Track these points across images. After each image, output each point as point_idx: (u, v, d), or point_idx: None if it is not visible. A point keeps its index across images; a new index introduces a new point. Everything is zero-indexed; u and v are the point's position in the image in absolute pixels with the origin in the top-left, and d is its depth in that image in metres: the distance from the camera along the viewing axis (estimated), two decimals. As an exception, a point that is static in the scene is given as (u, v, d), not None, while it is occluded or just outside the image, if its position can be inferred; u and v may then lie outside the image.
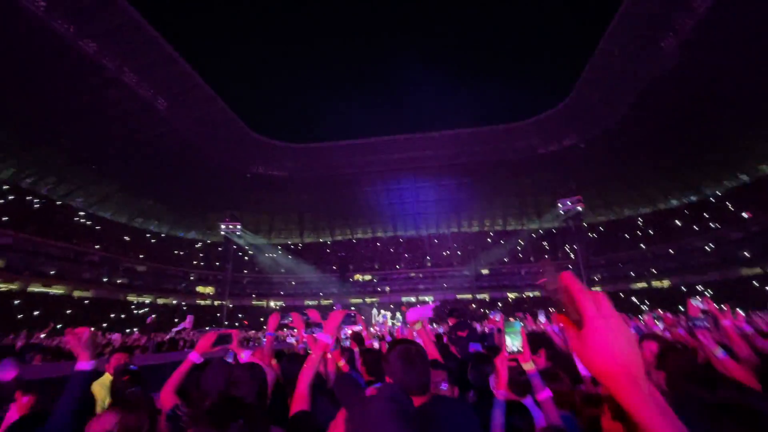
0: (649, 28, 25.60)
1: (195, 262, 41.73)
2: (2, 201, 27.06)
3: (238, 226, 40.47)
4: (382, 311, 28.73)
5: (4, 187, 27.82)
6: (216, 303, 39.81)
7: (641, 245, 37.29)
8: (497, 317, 6.09)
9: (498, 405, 1.64)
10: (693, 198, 36.23)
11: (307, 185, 43.63)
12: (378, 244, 48.73)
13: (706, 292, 29.12)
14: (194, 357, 2.02)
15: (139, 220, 39.19)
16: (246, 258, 44.83)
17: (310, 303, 41.89)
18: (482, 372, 2.05)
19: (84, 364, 1.57)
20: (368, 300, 41.82)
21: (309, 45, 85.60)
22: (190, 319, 11.12)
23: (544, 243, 43.48)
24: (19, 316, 23.40)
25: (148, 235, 39.13)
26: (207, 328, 27.28)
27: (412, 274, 44.47)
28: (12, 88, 24.17)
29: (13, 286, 25.83)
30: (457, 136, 39.78)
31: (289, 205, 46.03)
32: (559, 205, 38.02)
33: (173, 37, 27.50)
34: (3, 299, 24.27)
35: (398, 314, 24.00)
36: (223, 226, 40.41)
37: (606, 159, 35.97)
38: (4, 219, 26.33)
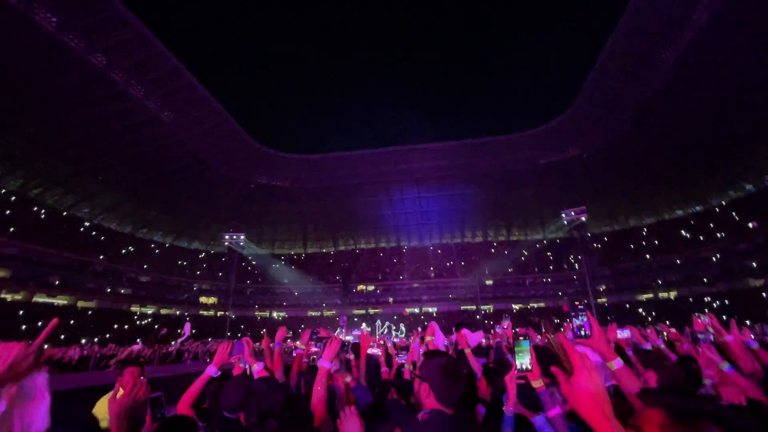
0: (649, 41, 25.83)
1: (198, 273, 41.78)
2: (9, 211, 27.35)
3: (242, 237, 40.57)
4: (386, 322, 28.63)
5: (12, 197, 28.15)
6: (219, 314, 39.72)
7: (647, 256, 37.04)
8: (506, 324, 6.04)
9: (507, 422, 1.66)
10: (698, 208, 36.06)
11: (310, 196, 43.84)
12: (381, 254, 48.65)
13: (713, 304, 28.79)
14: (211, 371, 2.04)
15: (143, 230, 39.41)
16: (249, 269, 44.85)
17: (313, 314, 41.72)
18: (495, 386, 2.05)
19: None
20: (371, 311, 41.59)
21: (313, 56, 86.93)
22: (187, 326, 11.08)
23: (549, 254, 43.28)
24: (23, 327, 23.45)
25: (152, 246, 39.30)
26: (209, 339, 27.19)
27: (416, 285, 44.26)
28: (21, 100, 24.67)
29: (18, 296, 25.94)
30: (460, 146, 39.96)
31: (293, 215, 46.21)
32: (563, 215, 37.94)
33: (179, 50, 28.00)
34: (8, 309, 24.35)
35: (401, 326, 23.88)
36: (226, 237, 40.52)
37: (610, 169, 36.04)
38: (10, 229, 26.58)
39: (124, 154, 31.71)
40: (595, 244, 41.06)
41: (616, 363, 1.49)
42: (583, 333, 1.58)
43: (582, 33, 63.99)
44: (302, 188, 43.38)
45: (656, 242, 37.21)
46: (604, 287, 37.78)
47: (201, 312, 39.27)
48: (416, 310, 41.53)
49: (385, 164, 41.56)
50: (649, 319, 30.14)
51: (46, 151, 28.35)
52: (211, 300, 41.06)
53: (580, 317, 1.60)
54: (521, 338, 1.73)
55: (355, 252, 49.24)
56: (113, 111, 28.31)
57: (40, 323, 24.41)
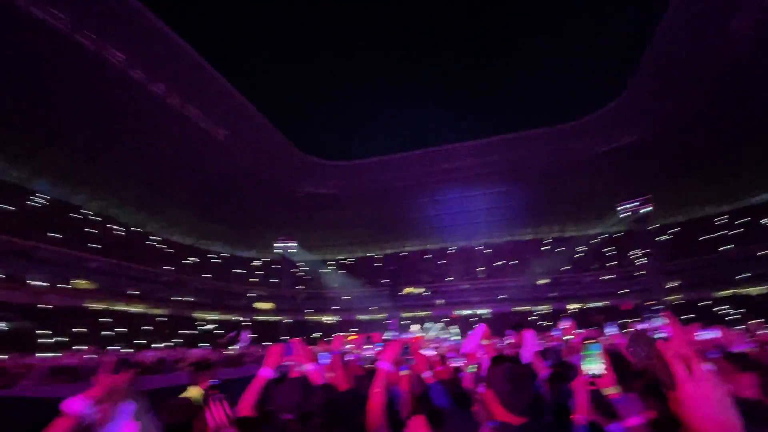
0: (714, 6, 23.32)
1: (253, 280, 44.11)
2: (95, 231, 30.72)
3: (292, 244, 42.21)
4: (434, 324, 28.27)
5: (96, 218, 31.57)
6: (274, 319, 41.56)
7: (725, 247, 33.22)
8: (567, 324, 5.67)
9: (580, 431, 1.54)
10: (786, 191, 31.76)
11: (355, 201, 44.60)
12: (428, 256, 48.22)
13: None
14: (267, 373, 2.09)
15: (204, 242, 42.38)
16: (301, 275, 46.51)
17: (363, 317, 42.30)
18: (560, 392, 1.93)
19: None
20: (421, 313, 41.32)
21: (351, 65, 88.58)
22: (243, 333, 11.60)
23: (608, 249, 40.37)
24: (104, 333, 26.23)
25: (212, 256, 42.14)
26: (268, 343, 28.53)
27: (466, 286, 43.30)
28: (96, 132, 27.69)
29: (102, 306, 29.00)
30: (504, 141, 38.63)
31: (339, 221, 47.25)
32: (622, 207, 35.21)
33: (229, 72, 30.04)
34: (95, 317, 27.33)
35: (455, 328, 23.42)
36: (278, 245, 42.38)
37: (676, 154, 32.83)
38: (96, 246, 29.85)
39: (185, 173, 34.37)
40: (663, 236, 37.60)
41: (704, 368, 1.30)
42: (658, 336, 1.43)
43: (635, 7, 59.20)
44: (347, 194, 44.28)
45: (737, 232, 33.24)
46: (674, 283, 34.46)
47: (257, 317, 41.34)
48: (467, 312, 40.59)
49: (428, 165, 41.24)
50: (730, 318, 26.99)
51: (122, 175, 31.52)
52: (267, 306, 43.09)
53: (654, 318, 1.44)
54: (590, 342, 1.60)
55: (402, 255, 49.24)
56: (173, 133, 30.87)
57: (122, 330, 27.17)
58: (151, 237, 36.36)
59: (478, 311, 40.39)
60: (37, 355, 17.17)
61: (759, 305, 27.41)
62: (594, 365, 1.54)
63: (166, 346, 27.77)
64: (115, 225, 33.21)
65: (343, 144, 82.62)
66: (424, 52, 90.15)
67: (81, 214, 30.45)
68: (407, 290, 44.70)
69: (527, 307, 38.94)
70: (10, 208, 25.44)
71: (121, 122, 28.06)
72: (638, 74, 29.72)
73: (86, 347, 21.56)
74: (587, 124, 35.67)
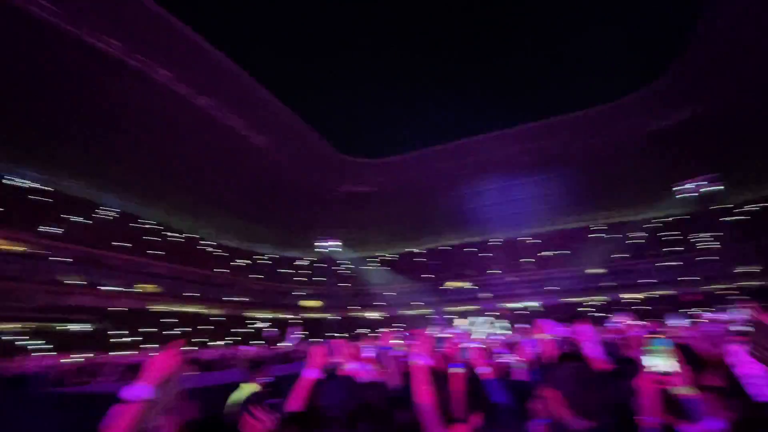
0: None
1: (300, 279, 45.68)
2: (159, 239, 33.30)
3: (336, 243, 43.13)
4: (474, 318, 27.64)
5: (156, 227, 34.17)
6: (322, 316, 42.82)
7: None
8: (624, 319, 5.26)
9: None
10: None
11: (394, 197, 44.64)
12: (471, 249, 47.22)
13: None
14: (313, 373, 2.08)
15: (251, 244, 44.51)
16: (346, 272, 47.45)
17: (408, 312, 42.36)
18: (620, 390, 1.77)
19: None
20: (466, 308, 40.62)
21: (383, 58, 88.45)
22: (290, 331, 11.96)
23: (669, 233, 37.22)
24: (166, 332, 28.45)
25: (259, 257, 44.18)
26: (315, 340, 29.48)
27: (512, 278, 41.94)
28: (155, 149, 29.85)
29: (165, 308, 31.41)
30: (546, 126, 36.82)
31: (379, 218, 47.54)
32: (686, 186, 32.27)
33: (267, 79, 31.27)
34: (159, 318, 29.74)
35: (505, 322, 22.75)
36: (322, 244, 43.50)
37: (745, 126, 29.50)
38: (160, 253, 32.40)
39: (231, 181, 36.22)
40: (735, 218, 34.04)
41: None
42: (738, 329, 1.26)
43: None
44: (385, 191, 44.46)
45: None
46: (751, 268, 31.08)
47: (305, 315, 42.81)
48: (517, 305, 39.31)
49: (466, 156, 40.34)
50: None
51: (177, 186, 33.81)
52: (314, 303, 44.47)
53: (731, 309, 1.27)
54: (656, 336, 1.45)
55: (444, 249, 48.64)
56: (218, 144, 32.63)
57: (183, 329, 29.31)
58: (203, 242, 38.77)
59: (527, 304, 38.98)
60: (110, 354, 18.98)
61: None
62: (662, 361, 1.38)
63: (221, 344, 29.63)
64: (172, 232, 35.76)
65: (380, 141, 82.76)
66: (455, 42, 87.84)
67: (142, 223, 33.07)
68: (449, 284, 44.09)
69: (579, 299, 36.99)
70: (83, 220, 28.17)
71: (173, 138, 30.07)
72: (687, 49, 26.99)
73: (153, 345, 23.50)
74: (630, 103, 33.10)
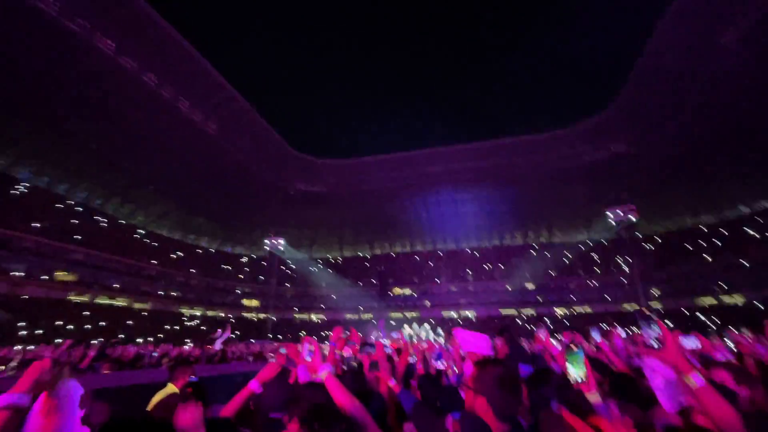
0: (705, 21, 23.90)
1: (241, 276, 43.65)
2: (77, 221, 30.01)
3: (282, 242, 41.86)
4: (414, 324, 28.28)
5: (78, 208, 30.89)
6: (261, 316, 41.18)
7: (707, 257, 34.02)
8: (542, 335, 5.72)
9: None
10: (766, 204, 32.68)
11: (347, 200, 44.50)
12: (418, 258, 48.33)
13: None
14: (255, 387, 1.94)
15: (191, 236, 41.82)
16: (289, 272, 46.17)
17: (351, 317, 42.17)
18: (542, 395, 1.93)
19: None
20: (408, 314, 41.35)
21: (346, 63, 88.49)
22: (223, 330, 11.42)
23: (595, 256, 41.00)
24: (86, 327, 25.61)
25: (199, 251, 41.59)
26: (252, 341, 28.24)
27: (453, 289, 43.51)
28: (84, 119, 27.09)
29: (84, 298, 28.35)
30: (497, 146, 39.01)
31: (330, 220, 47.10)
32: (609, 215, 35.81)
33: (222, 66, 29.70)
34: (76, 310, 26.69)
35: (439, 330, 23.44)
36: (267, 242, 41.99)
37: (663, 165, 33.53)
38: (77, 237, 29.16)
39: (174, 166, 33.84)
40: (647, 245, 38.35)
41: (697, 379, 1.20)
42: (656, 345, 1.42)
43: (629, 18, 60.26)
44: (338, 193, 44.18)
45: (718, 242, 34.08)
46: (658, 292, 35.15)
47: (244, 314, 40.93)
48: (454, 315, 40.80)
49: (420, 166, 41.41)
50: (712, 327, 27.62)
51: (106, 165, 30.92)
52: (254, 303, 42.68)
53: (649, 326, 1.43)
54: (574, 347, 1.59)
55: (392, 255, 49.28)
56: (163, 125, 30.37)
57: (102, 323, 26.61)
58: (137, 230, 35.74)
59: (465, 313, 40.60)
60: (15, 348, 16.67)
61: (739, 315, 28.09)
62: (579, 370, 1.52)
63: (148, 341, 27.27)
64: (99, 216, 32.56)
65: (336, 143, 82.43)
66: (420, 57, 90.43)
67: (64, 204, 29.77)
68: (396, 291, 44.69)
69: (514, 311, 39.28)
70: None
71: (109, 111, 27.49)
72: (629, 85, 30.29)
73: (65, 340, 21.00)
74: (577, 132, 36.25)
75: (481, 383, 1.29)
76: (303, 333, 37.27)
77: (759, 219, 32.27)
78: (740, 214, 34.54)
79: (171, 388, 2.64)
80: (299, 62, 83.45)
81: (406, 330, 27.51)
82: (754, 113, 26.84)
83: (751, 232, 32.01)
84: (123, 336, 26.42)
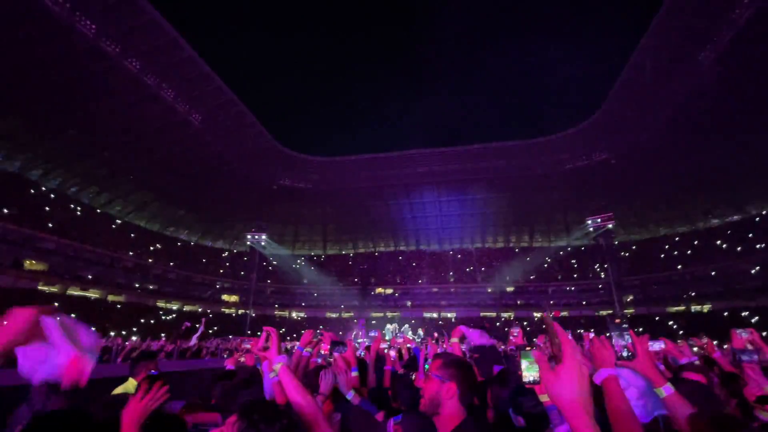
0: (686, 40, 24.77)
1: (221, 271, 42.86)
2: (48, 208, 28.92)
3: (264, 237, 41.31)
4: (391, 326, 28.45)
5: (51, 195, 29.76)
6: (240, 312, 40.54)
7: (679, 266, 35.28)
8: (516, 332, 5.85)
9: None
10: (735, 217, 34.15)
11: (331, 198, 44.27)
12: (400, 258, 48.48)
13: (751, 319, 27.11)
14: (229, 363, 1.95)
15: (170, 229, 40.84)
16: (270, 268, 45.62)
17: (332, 315, 41.98)
18: (501, 395, 1.97)
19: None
20: (389, 314, 41.44)
21: (338, 59, 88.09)
22: (203, 323, 11.28)
23: (573, 261, 41.97)
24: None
25: (178, 244, 40.66)
26: (230, 336, 27.80)
27: (435, 290, 43.81)
28: (61, 104, 26.11)
29: (54, 289, 27.33)
30: (484, 150, 39.47)
31: (314, 217, 46.78)
32: (588, 222, 36.71)
33: (208, 55, 29.05)
34: (45, 300, 25.69)
35: (420, 330, 23.61)
36: (249, 237, 41.37)
37: (640, 175, 34.63)
38: (49, 225, 28.08)
39: (155, 156, 32.99)
40: (623, 253, 39.49)
41: (666, 389, 1.28)
42: (626, 354, 1.45)
43: (613, 33, 62.06)
44: (324, 190, 43.89)
45: (689, 252, 35.39)
46: (631, 297, 36.24)
47: (223, 309, 40.22)
48: (435, 315, 41.09)
49: (407, 167, 41.54)
50: (681, 332, 28.66)
51: (84, 152, 29.89)
52: (233, 298, 41.98)
53: (621, 335, 1.46)
54: (528, 348, 1.62)
55: (375, 255, 49.28)
56: (146, 114, 29.55)
57: (73, 315, 25.67)
58: (113, 220, 34.69)
59: (446, 314, 40.95)
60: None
61: (706, 321, 29.23)
62: (532, 372, 1.55)
63: (121, 334, 26.50)
64: (74, 204, 31.47)
65: (324, 140, 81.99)
66: (410, 56, 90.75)
67: (37, 190, 28.64)
68: (378, 290, 44.69)
69: (493, 313, 39.83)
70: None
71: (88, 96, 26.58)
72: (611, 97, 31.10)
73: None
74: (560, 140, 36.99)
75: (450, 373, 1.34)
76: (282, 330, 36.94)
77: (728, 231, 33.69)
78: (711, 225, 35.97)
79: (131, 383, 2.57)
80: (290, 58, 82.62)
81: (388, 327, 27.63)
82: (725, 134, 28.02)
83: (721, 244, 33.37)
84: (95, 329, 25.58)
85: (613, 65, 30.69)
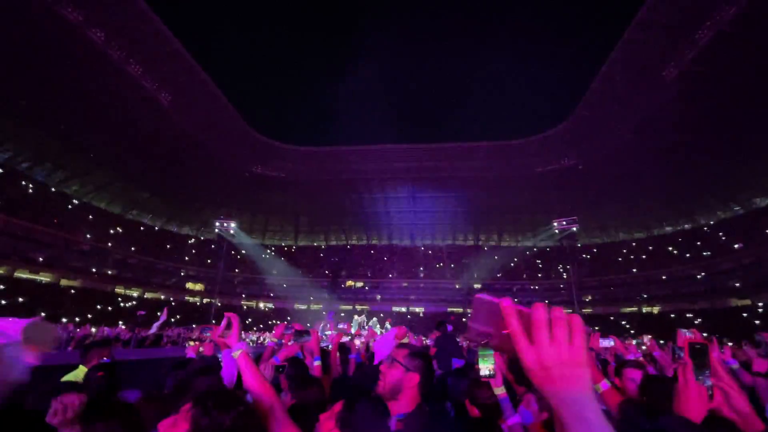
0: (652, 56, 26.07)
1: (186, 258, 41.38)
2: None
3: (233, 225, 40.18)
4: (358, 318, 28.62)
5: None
6: (205, 300, 39.39)
7: (633, 270, 37.47)
8: None
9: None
10: (687, 226, 36.59)
11: (305, 188, 43.63)
12: (372, 251, 48.61)
13: (695, 321, 29.23)
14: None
15: (133, 212, 38.95)
16: (239, 257, 44.53)
17: (300, 307, 41.57)
18: (459, 387, 2.04)
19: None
20: (359, 307, 41.55)
21: (316, 47, 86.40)
22: (165, 311, 10.88)
23: (538, 261, 43.59)
24: (3, 302, 23.06)
25: (141, 228, 38.86)
26: (194, 325, 26.97)
27: (405, 284, 44.29)
28: (14, 71, 24.18)
29: (1, 271, 25.48)
30: (458, 149, 40.06)
31: (286, 206, 45.97)
32: (554, 224, 38.19)
33: (181, 32, 27.69)
34: (-10, 284, 23.95)
35: (387, 324, 23.78)
36: (217, 224, 40.10)
37: (604, 182, 36.32)
38: (-4, 202, 26.09)
39: (118, 133, 31.26)
40: (584, 255, 41.42)
41: (603, 385, 1.44)
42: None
43: (586, 43, 64.39)
44: (297, 180, 43.16)
45: (644, 257, 37.65)
46: (590, 298, 38.15)
47: (187, 298, 38.95)
48: (403, 309, 41.59)
49: (382, 161, 41.49)
50: (632, 331, 30.52)
51: (37, 125, 27.86)
52: (198, 286, 40.72)
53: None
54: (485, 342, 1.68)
55: (346, 247, 49.15)
56: (109, 88, 27.87)
57: (21, 299, 24.07)
58: (69, 200, 32.65)
59: (414, 309, 41.55)
60: None
61: (655, 321, 31.28)
62: (487, 365, 1.61)
63: (73, 320, 25.09)
64: (24, 181, 29.36)
65: (299, 129, 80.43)
66: (393, 53, 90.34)
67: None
68: (348, 283, 44.65)
69: (460, 309, 40.80)
70: None
71: (48, 66, 24.76)
72: (581, 106, 32.32)
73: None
74: (533, 144, 38.11)
75: (415, 364, 1.37)
76: (249, 320, 36.26)
77: (679, 239, 36.06)
78: (665, 233, 38.37)
79: (82, 370, 2.46)
80: (269, 38, 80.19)
81: (356, 319, 27.72)
82: (684, 146, 29.83)
83: (672, 250, 35.69)
84: (45, 314, 24.09)
85: (582, 77, 31.95)
